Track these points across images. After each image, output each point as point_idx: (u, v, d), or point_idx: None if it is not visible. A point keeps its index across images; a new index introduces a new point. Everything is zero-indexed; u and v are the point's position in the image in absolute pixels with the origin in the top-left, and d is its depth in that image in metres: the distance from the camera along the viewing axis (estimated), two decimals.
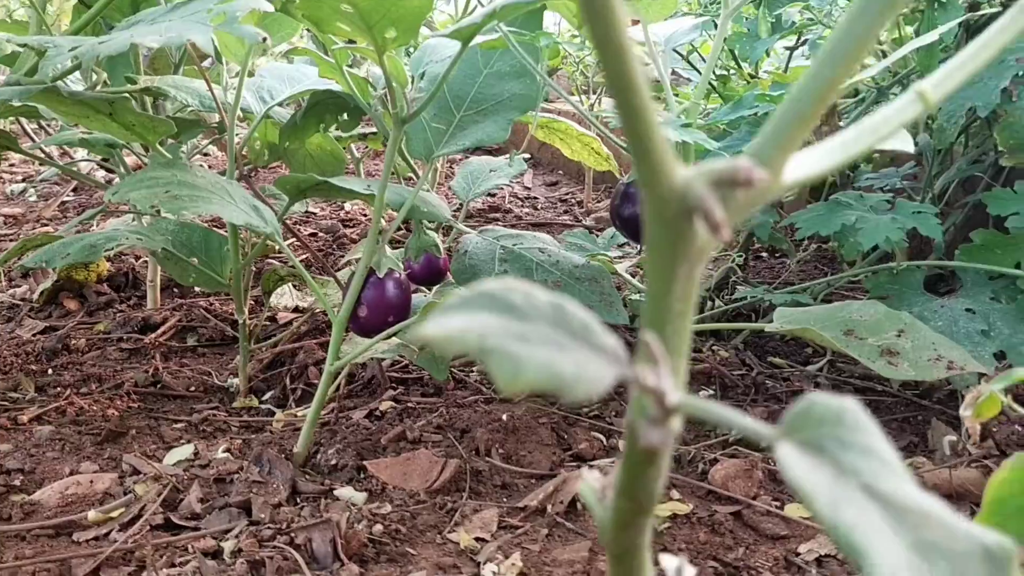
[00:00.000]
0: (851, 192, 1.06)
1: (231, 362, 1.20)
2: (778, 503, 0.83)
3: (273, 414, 1.05)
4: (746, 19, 1.22)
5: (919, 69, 1.01)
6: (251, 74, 1.09)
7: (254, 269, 1.28)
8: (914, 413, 1.01)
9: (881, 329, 0.81)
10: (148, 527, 0.78)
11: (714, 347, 1.19)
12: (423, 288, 1.06)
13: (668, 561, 0.30)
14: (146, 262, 1.49)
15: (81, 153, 1.94)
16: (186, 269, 1.04)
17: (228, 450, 0.93)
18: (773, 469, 0.87)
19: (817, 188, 1.27)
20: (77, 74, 1.11)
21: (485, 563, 0.73)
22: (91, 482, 0.85)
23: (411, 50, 1.16)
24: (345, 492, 0.84)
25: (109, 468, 0.90)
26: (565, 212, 2.12)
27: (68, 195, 2.19)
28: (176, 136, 1.04)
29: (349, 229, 1.88)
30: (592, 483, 0.27)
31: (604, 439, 0.96)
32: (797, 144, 0.22)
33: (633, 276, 1.14)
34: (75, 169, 1.35)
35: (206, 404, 1.08)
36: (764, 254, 1.63)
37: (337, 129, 1.15)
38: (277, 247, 0.95)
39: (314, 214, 2.01)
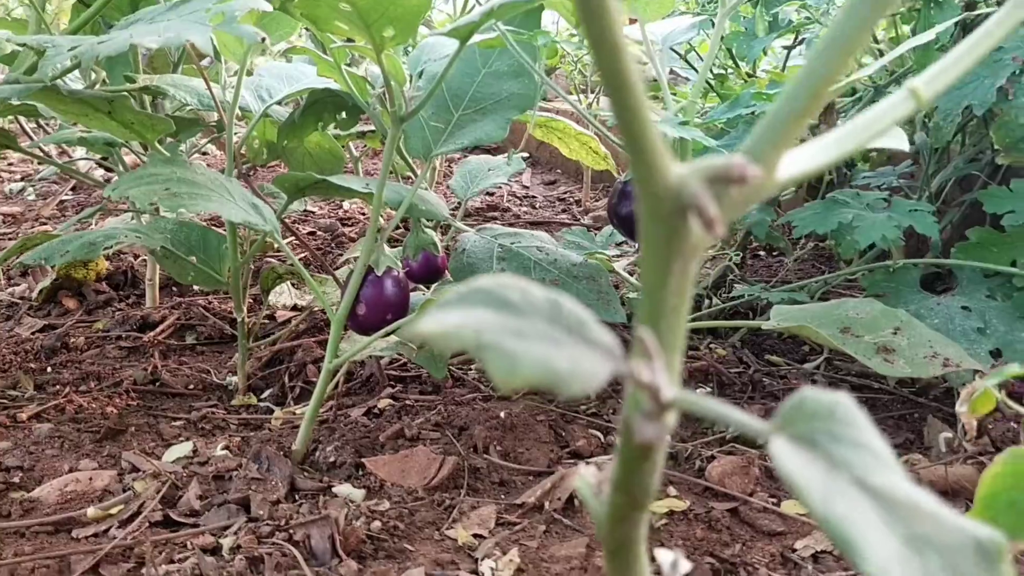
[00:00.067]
0: (848, 190, 1.06)
1: (230, 360, 1.20)
2: (775, 500, 0.83)
3: (272, 412, 1.05)
4: (743, 18, 1.23)
5: (916, 68, 1.01)
6: (250, 73, 1.09)
7: (253, 267, 1.28)
8: (910, 410, 1.01)
9: (877, 327, 0.82)
10: (147, 524, 0.78)
11: (711, 345, 1.19)
12: (421, 286, 1.06)
13: (664, 556, 0.31)
14: (145, 260, 1.49)
15: (80, 152, 1.94)
16: (185, 267, 1.04)
17: (227, 447, 0.93)
18: (770, 466, 0.87)
19: (814, 186, 1.27)
20: (76, 72, 1.11)
21: (483, 559, 0.73)
22: (90, 479, 0.85)
23: (409, 49, 1.16)
24: (343, 489, 0.85)
25: (108, 465, 0.90)
26: (563, 211, 2.12)
27: (67, 194, 2.18)
28: (175, 135, 1.04)
29: (347, 227, 1.88)
30: (588, 478, 0.28)
31: (602, 436, 0.96)
32: (791, 141, 0.22)
33: (631, 274, 1.14)
34: (74, 168, 1.35)
35: (205, 402, 1.08)
36: (761, 252, 1.63)
37: (335, 128, 1.16)
38: (276, 245, 0.96)
39: (313, 212, 2.01)
